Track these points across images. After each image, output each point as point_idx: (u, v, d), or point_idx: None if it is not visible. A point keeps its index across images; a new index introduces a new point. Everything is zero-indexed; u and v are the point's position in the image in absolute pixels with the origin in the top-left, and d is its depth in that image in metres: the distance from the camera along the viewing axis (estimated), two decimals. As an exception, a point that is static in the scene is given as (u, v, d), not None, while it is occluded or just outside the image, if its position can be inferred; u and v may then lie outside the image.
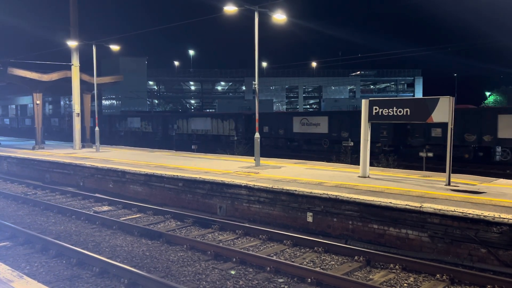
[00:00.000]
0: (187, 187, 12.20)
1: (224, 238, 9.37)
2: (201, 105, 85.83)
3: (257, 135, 14.93)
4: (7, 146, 25.67)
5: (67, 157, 18.21)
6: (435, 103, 9.97)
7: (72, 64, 22.30)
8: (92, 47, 21.71)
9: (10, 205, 13.18)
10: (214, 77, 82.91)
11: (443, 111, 9.85)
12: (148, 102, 71.97)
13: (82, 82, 23.14)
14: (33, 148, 23.02)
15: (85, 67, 23.96)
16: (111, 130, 44.50)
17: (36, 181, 17.21)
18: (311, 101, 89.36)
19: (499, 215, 7.26)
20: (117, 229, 10.08)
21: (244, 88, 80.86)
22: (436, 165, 17.77)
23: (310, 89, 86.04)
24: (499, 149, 20.29)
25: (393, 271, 7.32)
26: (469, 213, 7.50)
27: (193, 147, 24.09)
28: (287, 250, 8.56)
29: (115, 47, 22.61)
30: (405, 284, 6.82)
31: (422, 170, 14.66)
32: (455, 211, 7.65)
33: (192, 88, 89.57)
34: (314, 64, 62.91)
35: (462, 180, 10.94)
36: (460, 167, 17.67)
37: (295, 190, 9.81)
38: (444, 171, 10.43)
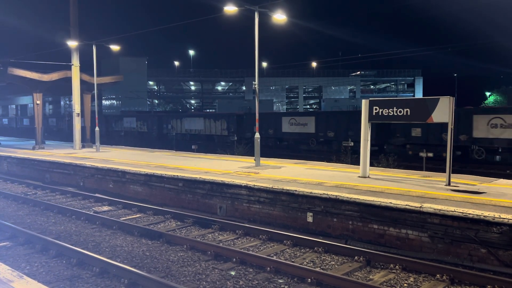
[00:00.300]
0: (187, 187, 12.20)
1: (224, 238, 9.38)
2: (201, 105, 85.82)
3: (257, 135, 14.95)
4: (7, 146, 25.68)
5: (67, 157, 18.21)
6: (435, 103, 9.97)
7: (72, 64, 22.30)
8: (92, 47, 21.72)
9: (10, 205, 13.18)
10: (214, 77, 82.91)
11: (443, 111, 9.85)
12: (148, 102, 71.98)
13: (82, 82, 23.15)
14: (33, 148, 23.03)
15: (85, 67, 23.96)
16: (108, 130, 44.74)
17: (36, 181, 17.21)
18: (311, 101, 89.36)
19: (499, 215, 7.26)
20: (117, 229, 10.09)
21: (244, 88, 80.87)
22: (411, 162, 18.88)
23: (310, 89, 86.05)
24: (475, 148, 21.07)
25: (393, 271, 7.32)
26: (469, 213, 7.50)
27: (193, 147, 24.14)
28: (287, 250, 8.56)
29: (115, 47, 22.62)
30: (405, 284, 6.82)
31: (422, 170, 14.66)
32: (455, 211, 7.65)
33: (192, 88, 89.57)
34: (314, 64, 62.95)
35: (462, 180, 10.93)
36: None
37: (295, 190, 9.82)
38: (444, 171, 10.44)
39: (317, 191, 9.51)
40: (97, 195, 14.03)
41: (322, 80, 79.08)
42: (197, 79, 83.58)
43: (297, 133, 29.00)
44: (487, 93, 65.48)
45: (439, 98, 9.96)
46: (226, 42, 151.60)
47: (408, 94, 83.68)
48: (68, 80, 22.73)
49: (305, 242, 8.73)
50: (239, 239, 9.36)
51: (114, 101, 72.76)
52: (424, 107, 10.17)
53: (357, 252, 7.94)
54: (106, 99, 73.24)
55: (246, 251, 8.10)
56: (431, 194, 9.14)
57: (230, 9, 13.94)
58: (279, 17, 14.50)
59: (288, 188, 10.00)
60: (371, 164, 12.77)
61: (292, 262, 7.66)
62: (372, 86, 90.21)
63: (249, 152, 24.58)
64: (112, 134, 43.73)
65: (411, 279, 7.03)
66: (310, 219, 9.59)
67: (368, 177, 11.48)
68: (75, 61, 22.28)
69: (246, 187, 10.73)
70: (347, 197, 8.99)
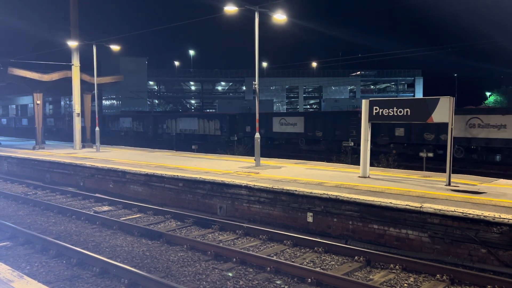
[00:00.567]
0: (187, 187, 12.20)
1: (224, 238, 9.38)
2: (201, 105, 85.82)
3: (257, 135, 14.93)
4: (8, 146, 25.68)
5: (68, 157, 18.22)
6: (435, 103, 9.97)
7: (73, 64, 22.31)
8: (92, 47, 21.72)
9: (11, 205, 13.19)
10: (214, 77, 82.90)
11: (443, 111, 9.85)
12: (149, 102, 72.00)
13: (82, 82, 23.15)
14: (34, 148, 23.03)
15: (86, 67, 23.98)
16: (104, 130, 45.09)
17: (36, 181, 17.22)
18: (312, 101, 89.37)
19: (499, 215, 7.26)
20: (117, 229, 10.09)
21: (244, 88, 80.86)
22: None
23: (311, 89, 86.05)
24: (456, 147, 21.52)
25: (393, 271, 7.32)
26: (469, 213, 7.50)
27: (193, 147, 24.16)
28: (287, 250, 8.56)
29: (115, 47, 22.62)
30: (405, 284, 6.82)
31: (422, 170, 14.66)
32: (455, 211, 7.65)
33: (193, 88, 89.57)
34: (314, 64, 62.90)
35: (462, 180, 10.94)
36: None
37: (295, 190, 9.82)
38: (444, 171, 10.44)
39: (317, 191, 9.51)
40: (97, 195, 14.03)
41: (322, 80, 79.08)
42: (197, 79, 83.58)
43: (287, 133, 29.88)
44: (487, 93, 65.44)
45: (439, 98, 9.96)
46: (226, 42, 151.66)
47: (408, 94, 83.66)
48: (69, 80, 22.74)
49: (305, 242, 8.73)
50: (239, 239, 9.36)
51: (114, 101, 72.79)
52: (424, 107, 10.17)
53: (357, 252, 7.94)
54: (106, 99, 73.26)
55: (246, 251, 8.10)
56: (431, 194, 9.14)
57: (230, 9, 13.94)
58: (279, 17, 14.50)
59: (288, 188, 10.00)
60: (371, 164, 12.77)
61: (292, 262, 7.66)
62: (372, 86, 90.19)
63: (241, 152, 24.86)
64: (108, 134, 44.09)
65: (411, 279, 7.03)
66: (310, 219, 9.59)
67: (368, 177, 11.48)
68: (75, 61, 22.29)
69: (246, 187, 10.74)
70: (347, 197, 8.99)
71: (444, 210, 7.76)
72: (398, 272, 7.28)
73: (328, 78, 78.60)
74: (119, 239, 9.39)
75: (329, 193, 9.32)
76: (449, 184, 10.12)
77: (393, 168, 16.59)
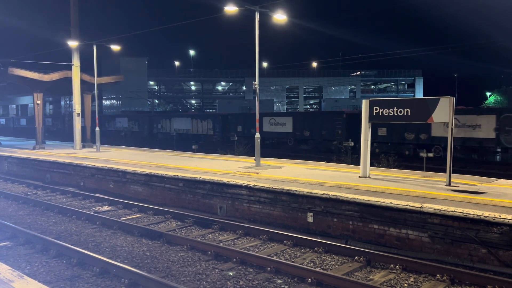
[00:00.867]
0: (188, 187, 12.20)
1: (224, 238, 9.38)
2: (201, 105, 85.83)
3: (257, 135, 14.91)
4: (8, 146, 25.69)
5: (68, 157, 18.22)
6: (435, 103, 9.96)
7: (73, 64, 22.31)
8: (92, 47, 21.73)
9: (11, 205, 13.19)
10: (214, 77, 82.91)
11: (444, 111, 9.85)
12: (149, 102, 72.05)
13: (82, 82, 23.16)
14: (34, 148, 23.04)
15: (86, 67, 23.98)
16: (101, 130, 45.38)
17: (36, 181, 17.22)
18: (312, 101, 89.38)
19: (500, 216, 7.26)
20: (117, 229, 10.09)
21: (244, 88, 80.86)
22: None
23: (311, 89, 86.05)
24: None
25: (393, 271, 7.32)
26: (470, 214, 7.50)
27: (193, 147, 24.15)
28: (288, 250, 8.56)
29: (115, 47, 22.63)
30: (405, 284, 6.82)
31: (423, 171, 14.66)
32: (455, 211, 7.65)
33: (193, 88, 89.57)
34: (314, 64, 62.88)
35: (463, 181, 10.93)
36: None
37: (296, 190, 9.82)
38: (445, 171, 10.43)
39: (318, 191, 9.51)
40: (97, 195, 14.03)
41: (322, 80, 79.10)
42: (198, 79, 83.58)
43: (276, 133, 30.69)
44: (488, 93, 65.44)
45: (440, 98, 9.95)
46: (227, 42, 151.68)
47: (408, 94, 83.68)
48: (69, 80, 22.74)
49: (305, 242, 8.73)
50: (240, 239, 9.36)
51: (114, 101, 72.80)
52: (424, 107, 10.17)
53: (357, 252, 7.94)
54: (106, 99, 73.26)
55: (247, 251, 8.10)
56: (432, 194, 9.14)
57: (231, 9, 13.93)
58: (280, 17, 14.49)
59: (288, 188, 10.00)
60: (372, 164, 12.77)
61: (293, 262, 7.66)
62: (372, 86, 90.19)
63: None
64: (105, 133, 44.45)
65: (411, 279, 7.03)
66: (310, 219, 9.59)
67: (369, 177, 11.48)
68: (76, 61, 22.29)
69: (247, 187, 10.74)
70: (348, 197, 8.99)
71: (444, 210, 7.76)
72: (398, 272, 7.28)
73: (328, 78, 78.62)
74: (119, 239, 9.39)
75: (330, 193, 9.32)
76: (449, 184, 10.12)
77: (393, 168, 16.60)
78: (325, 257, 8.09)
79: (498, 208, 7.79)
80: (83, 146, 23.79)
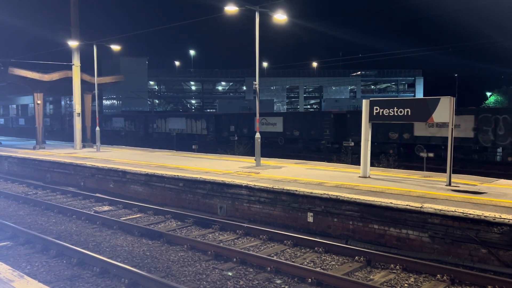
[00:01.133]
0: (188, 187, 12.20)
1: (224, 238, 9.38)
2: (201, 105, 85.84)
3: (257, 135, 14.93)
4: (8, 146, 25.69)
5: (68, 157, 18.22)
6: (436, 103, 9.96)
7: (73, 64, 22.31)
8: (92, 47, 21.74)
9: (11, 205, 13.19)
10: (214, 77, 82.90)
11: (444, 111, 9.85)
12: (149, 102, 72.05)
13: (83, 82, 23.16)
14: (34, 148, 23.04)
15: (86, 67, 23.98)
16: (100, 130, 45.75)
17: (37, 181, 17.22)
18: (312, 101, 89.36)
19: (500, 216, 7.26)
20: (117, 229, 10.09)
21: (244, 88, 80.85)
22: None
23: (311, 89, 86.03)
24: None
25: (393, 271, 7.32)
26: (470, 214, 7.50)
27: (193, 147, 24.19)
28: (288, 250, 8.56)
29: (115, 47, 22.64)
30: (405, 285, 6.82)
31: (423, 171, 14.65)
32: (455, 211, 7.65)
33: (193, 88, 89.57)
34: (314, 64, 62.94)
35: (463, 181, 10.93)
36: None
37: (296, 190, 9.81)
38: (445, 171, 10.43)
39: (318, 191, 9.51)
40: (97, 195, 14.04)
41: (322, 80, 79.09)
42: (198, 79, 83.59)
43: (268, 132, 30.96)
44: (488, 93, 65.42)
45: (440, 98, 9.95)
46: (227, 42, 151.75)
47: (408, 94, 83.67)
48: (69, 80, 22.74)
49: (305, 242, 8.73)
50: (240, 239, 9.36)
51: (114, 101, 72.79)
52: (425, 107, 10.16)
53: (357, 252, 7.94)
54: (106, 99, 73.26)
55: (247, 251, 8.10)
56: (432, 194, 9.14)
57: (231, 9, 13.93)
58: (280, 17, 14.49)
59: (288, 188, 10.00)
60: (372, 164, 12.77)
61: (293, 262, 7.66)
62: (372, 86, 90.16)
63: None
64: (102, 133, 44.67)
65: (412, 279, 7.03)
66: (310, 219, 9.59)
67: (369, 177, 11.48)
68: (76, 61, 22.29)
69: (247, 187, 10.73)
70: (348, 197, 8.99)
71: (444, 210, 7.76)
72: (399, 272, 7.28)
73: (328, 78, 78.60)
74: (120, 239, 9.39)
75: (330, 193, 9.32)
76: (449, 184, 10.11)
77: (394, 168, 16.59)
78: (325, 257, 8.09)
79: (498, 208, 7.79)
80: (83, 146, 23.80)
